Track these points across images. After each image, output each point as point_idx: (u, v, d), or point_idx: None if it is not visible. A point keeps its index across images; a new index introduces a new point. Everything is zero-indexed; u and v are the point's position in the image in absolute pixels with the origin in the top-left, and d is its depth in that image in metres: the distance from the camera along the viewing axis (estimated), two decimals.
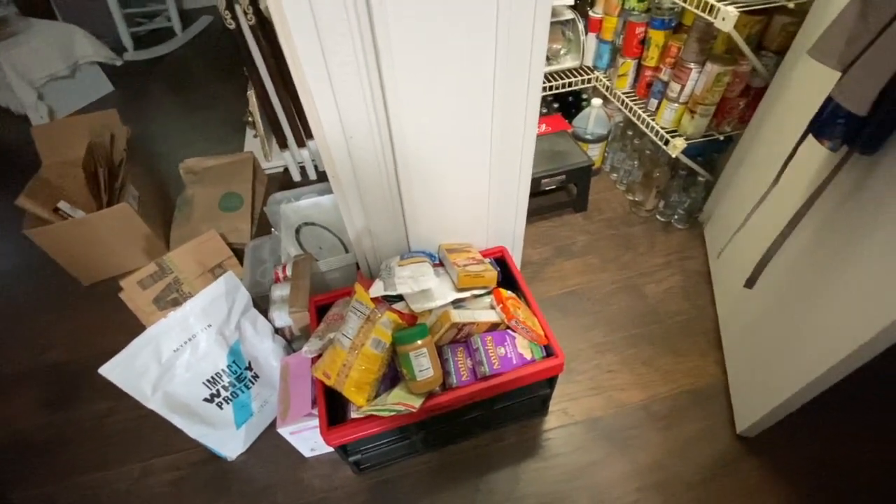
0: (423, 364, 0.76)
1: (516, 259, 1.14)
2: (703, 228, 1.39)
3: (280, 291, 1.01)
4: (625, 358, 1.13)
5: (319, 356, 0.84)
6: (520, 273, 0.99)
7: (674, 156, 1.21)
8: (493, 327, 0.87)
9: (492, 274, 0.89)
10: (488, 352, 0.82)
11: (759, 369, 0.94)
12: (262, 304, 1.07)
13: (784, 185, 0.84)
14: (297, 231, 1.23)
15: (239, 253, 1.31)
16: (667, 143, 1.23)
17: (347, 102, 0.73)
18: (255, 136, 1.81)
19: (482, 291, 0.89)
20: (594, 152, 1.51)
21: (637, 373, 1.10)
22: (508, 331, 0.87)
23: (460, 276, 0.85)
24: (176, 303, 1.22)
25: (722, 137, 1.22)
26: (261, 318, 0.96)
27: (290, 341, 1.05)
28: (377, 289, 0.84)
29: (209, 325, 0.85)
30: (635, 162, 1.48)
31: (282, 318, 0.98)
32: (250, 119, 1.80)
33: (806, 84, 0.95)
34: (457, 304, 0.87)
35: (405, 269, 0.86)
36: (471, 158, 0.87)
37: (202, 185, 1.53)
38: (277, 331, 1.01)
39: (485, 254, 1.03)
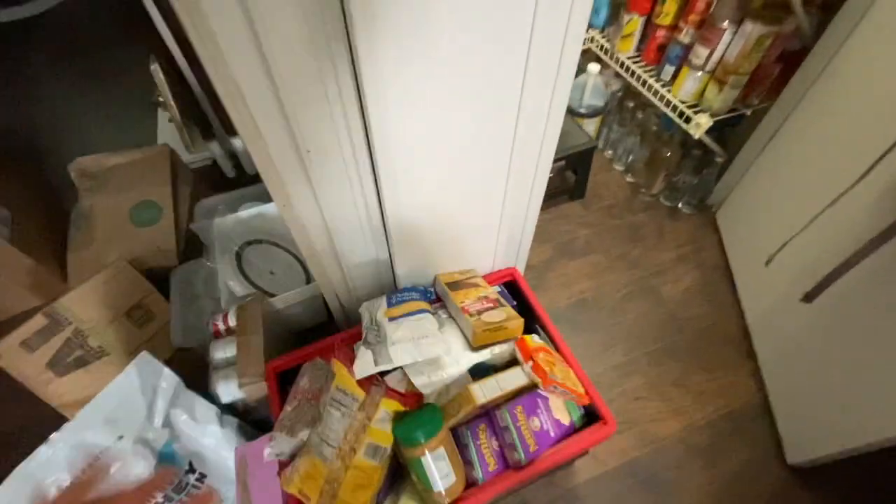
0: (442, 469, 0.55)
1: (520, 270, 0.93)
2: (715, 214, 1.23)
3: (223, 353, 0.75)
4: (651, 380, 0.97)
5: (290, 459, 0.60)
6: (538, 303, 0.78)
7: (697, 136, 1.02)
8: (520, 391, 0.66)
9: (516, 322, 0.66)
10: (521, 429, 0.62)
11: (817, 402, 0.80)
12: (201, 352, 0.81)
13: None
14: (238, 256, 0.94)
15: (164, 280, 1.02)
16: (687, 120, 1.03)
17: (300, 108, 0.47)
18: (171, 121, 1.44)
19: (502, 348, 0.67)
20: (590, 128, 1.30)
21: (667, 397, 0.95)
22: (538, 391, 0.67)
23: (476, 333, 0.63)
24: (82, 363, 0.92)
25: (749, 112, 1.04)
26: (199, 401, 0.70)
27: (243, 414, 0.79)
28: (365, 365, 0.60)
29: (120, 437, 0.58)
30: (637, 138, 1.28)
31: (229, 391, 0.72)
32: (160, 98, 1.42)
33: (879, 53, 0.76)
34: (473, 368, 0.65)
35: (399, 327, 0.62)
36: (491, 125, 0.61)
37: (104, 192, 1.18)
38: (224, 407, 0.75)
39: (492, 279, 0.81)
